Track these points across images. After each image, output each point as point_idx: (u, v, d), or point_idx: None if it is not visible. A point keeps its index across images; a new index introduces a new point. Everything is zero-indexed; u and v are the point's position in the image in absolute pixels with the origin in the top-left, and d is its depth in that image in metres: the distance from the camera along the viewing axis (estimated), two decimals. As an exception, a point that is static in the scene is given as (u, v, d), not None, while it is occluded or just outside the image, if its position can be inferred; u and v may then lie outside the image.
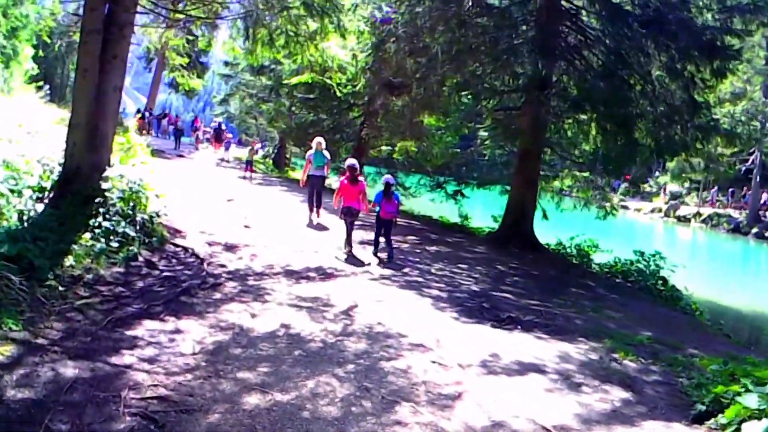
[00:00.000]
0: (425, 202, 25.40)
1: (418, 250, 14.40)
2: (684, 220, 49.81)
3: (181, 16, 13.27)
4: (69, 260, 7.92)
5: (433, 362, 6.66)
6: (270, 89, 33.31)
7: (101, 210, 9.46)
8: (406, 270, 11.80)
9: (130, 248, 9.08)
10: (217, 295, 8.17)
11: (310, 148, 15.77)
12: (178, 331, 6.69)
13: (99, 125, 10.23)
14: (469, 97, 18.42)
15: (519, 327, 9.01)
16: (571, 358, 7.52)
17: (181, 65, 15.04)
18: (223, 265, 9.82)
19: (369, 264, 11.88)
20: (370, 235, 13.44)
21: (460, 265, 13.23)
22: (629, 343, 8.39)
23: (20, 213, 8.86)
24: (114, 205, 9.68)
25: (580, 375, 6.78)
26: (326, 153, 15.83)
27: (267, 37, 11.97)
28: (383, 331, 7.62)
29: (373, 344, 7.04)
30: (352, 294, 9.19)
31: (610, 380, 6.70)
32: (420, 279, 11.24)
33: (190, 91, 47.37)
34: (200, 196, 16.68)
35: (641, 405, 6.08)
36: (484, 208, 23.52)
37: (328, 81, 19.70)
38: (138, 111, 40.80)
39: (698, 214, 48.93)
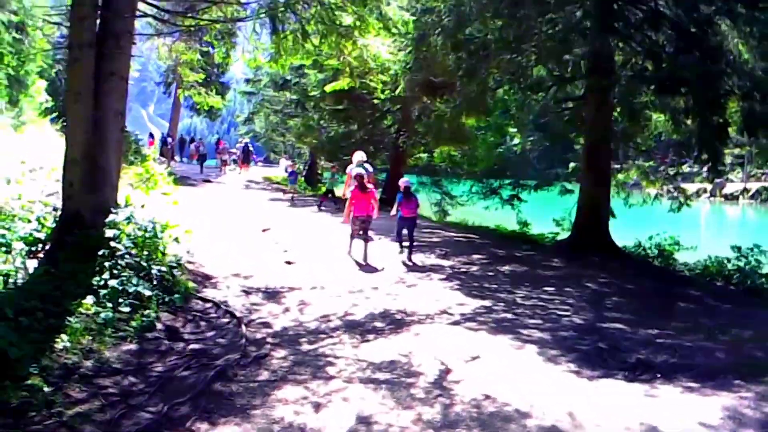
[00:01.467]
0: (476, 210, 23.13)
1: (491, 272, 12.24)
2: (731, 198, 46.90)
3: (191, 21, 11.26)
4: (62, 341, 5.89)
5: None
6: (296, 104, 31.49)
7: (107, 264, 7.48)
8: (487, 304, 9.62)
9: (145, 313, 7.04)
10: (263, 375, 6.06)
11: (346, 162, 15.36)
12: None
13: (99, 159, 8.28)
14: (520, 91, 16.16)
15: (658, 375, 6.81)
16: (746, 418, 5.50)
17: (197, 82, 13.34)
18: (266, 324, 7.75)
19: (383, 269, 11.75)
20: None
21: (545, 288, 11.02)
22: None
23: (5, 276, 6.89)
24: (123, 256, 7.67)
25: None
26: (368, 166, 14.38)
27: (298, 33, 9.85)
28: (496, 410, 5.45)
29: (491, 437, 4.91)
30: (436, 349, 7.02)
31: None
32: (509, 315, 9.03)
33: (211, 112, 45.78)
34: (231, 226, 14.73)
35: None
36: (539, 211, 21.14)
37: (371, 84, 17.39)
38: (162, 139, 39.25)
39: (746, 190, 45.94)
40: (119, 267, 7.53)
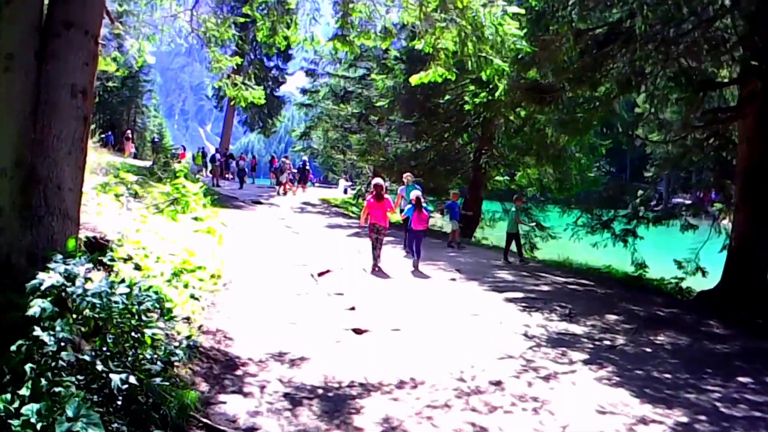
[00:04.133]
0: (564, 243, 18.95)
1: (647, 348, 8.40)
2: None
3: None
4: None
5: None
6: (358, 117, 28.06)
7: (28, 368, 3.89)
8: (680, 417, 5.76)
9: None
10: None
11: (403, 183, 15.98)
12: None
13: (40, 167, 4.74)
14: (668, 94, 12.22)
15: None
16: None
17: (235, 69, 10.13)
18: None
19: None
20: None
21: (739, 379, 7.17)
22: None
23: None
24: (57, 355, 4.06)
25: None
26: (418, 187, 15.25)
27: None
28: None
29: None
30: None
31: None
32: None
33: (265, 128, 42.91)
34: (277, 266, 11.13)
35: None
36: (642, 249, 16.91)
37: (464, 83, 13.51)
38: (212, 156, 36.18)
39: None
40: (49, 375, 3.92)
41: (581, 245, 17.59)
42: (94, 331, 4.54)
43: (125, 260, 8.19)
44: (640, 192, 17.16)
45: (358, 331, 7.61)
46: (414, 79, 9.35)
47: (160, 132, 56.19)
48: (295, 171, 34.47)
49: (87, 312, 4.36)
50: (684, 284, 14.53)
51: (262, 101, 10.93)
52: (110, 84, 44.88)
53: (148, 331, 4.72)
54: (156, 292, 6.00)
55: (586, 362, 7.48)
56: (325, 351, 6.88)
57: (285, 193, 30.45)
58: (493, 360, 7.21)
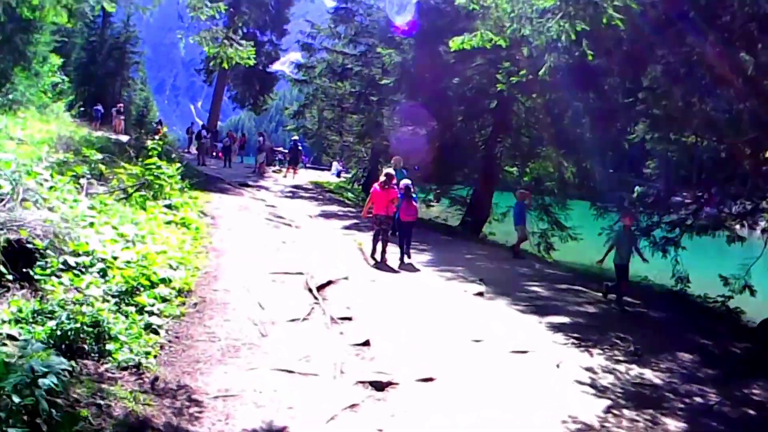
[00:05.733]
0: (590, 246, 16.79)
1: (749, 408, 6.63)
2: None
3: None
4: None
5: None
6: (357, 96, 25.75)
7: None
8: None
9: None
10: None
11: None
12: None
13: None
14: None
15: None
16: None
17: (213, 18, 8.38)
18: None
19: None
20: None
21: None
22: None
23: None
24: None
25: None
26: (406, 173, 14.08)
27: None
28: None
29: None
30: None
31: None
32: None
33: (256, 105, 40.60)
34: (263, 277, 8.94)
35: None
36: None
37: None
38: (197, 132, 33.73)
39: None
40: None
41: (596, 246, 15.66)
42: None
43: (61, 272, 6.05)
44: (637, 188, 15.30)
45: (378, 386, 5.47)
46: (454, 43, 7.18)
47: (146, 106, 53.68)
48: (286, 152, 32.24)
49: None
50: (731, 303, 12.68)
51: (252, 62, 8.69)
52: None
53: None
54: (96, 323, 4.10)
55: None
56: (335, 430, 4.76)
57: (261, 174, 28.15)
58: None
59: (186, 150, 35.12)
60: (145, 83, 56.49)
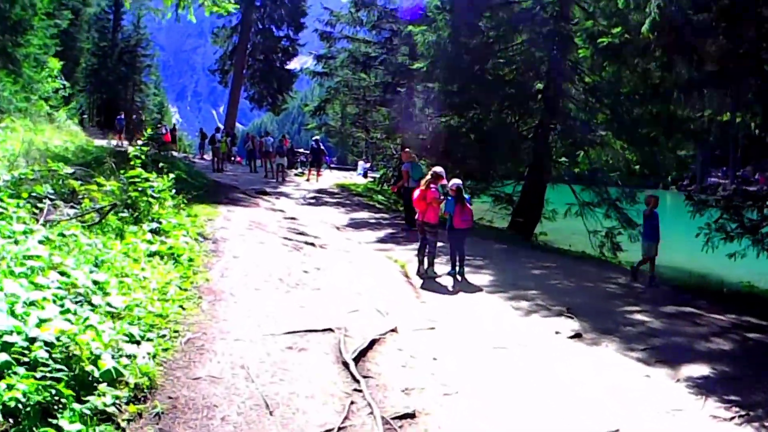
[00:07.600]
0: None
1: None
2: None
3: None
4: None
5: None
6: (384, 86, 23.26)
7: None
8: None
9: None
10: None
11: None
12: None
13: None
14: None
15: None
16: None
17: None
18: None
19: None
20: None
21: None
22: None
23: None
24: None
25: None
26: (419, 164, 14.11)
27: None
28: None
29: None
30: None
31: None
32: None
33: (275, 105, 38.54)
34: (276, 345, 6.35)
35: None
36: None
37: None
38: (211, 136, 31.54)
39: None
40: None
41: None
42: None
43: None
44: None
45: None
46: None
47: (160, 111, 51.69)
48: (308, 153, 30.00)
49: None
50: None
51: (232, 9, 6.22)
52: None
53: None
54: None
55: None
56: None
57: (308, 179, 26.11)
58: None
59: (199, 156, 33.03)
60: (159, 87, 54.50)
